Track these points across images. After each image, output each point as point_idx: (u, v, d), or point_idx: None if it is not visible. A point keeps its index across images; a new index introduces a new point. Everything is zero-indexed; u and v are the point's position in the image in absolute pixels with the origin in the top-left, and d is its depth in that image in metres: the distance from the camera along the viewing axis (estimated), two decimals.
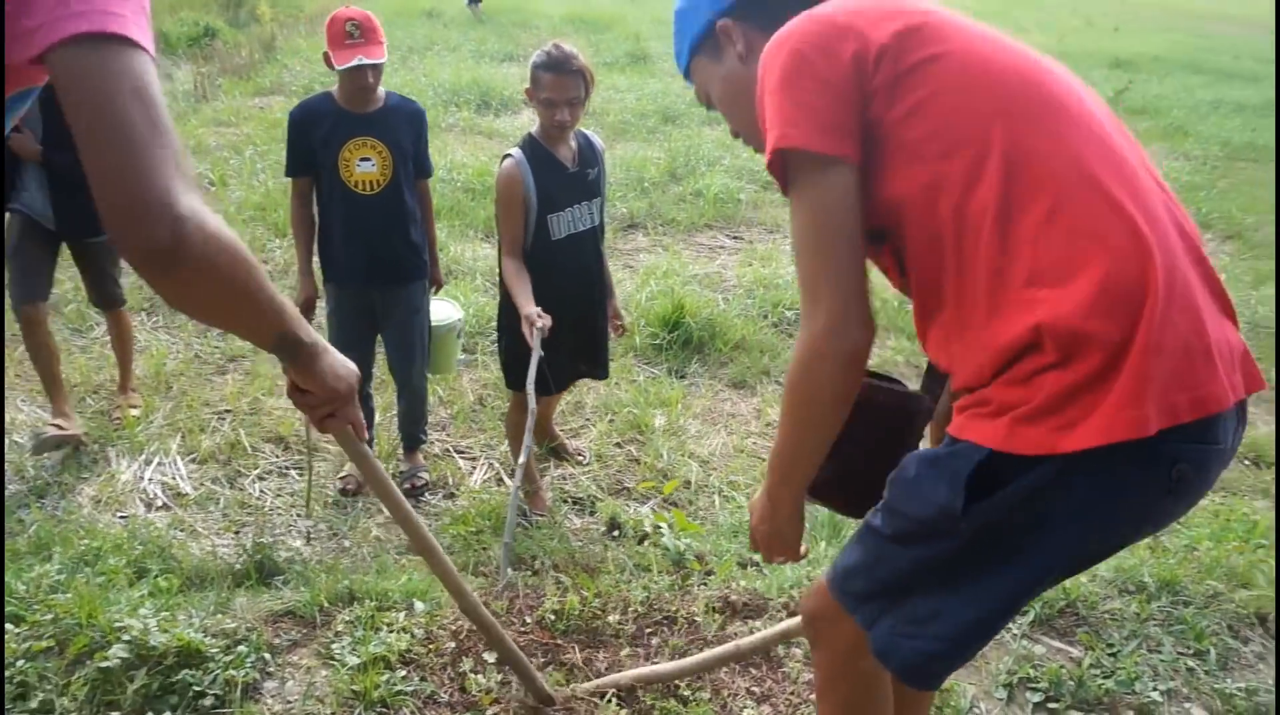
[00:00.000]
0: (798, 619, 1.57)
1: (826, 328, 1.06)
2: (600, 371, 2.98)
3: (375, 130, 2.71)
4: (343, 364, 1.23)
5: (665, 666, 1.96)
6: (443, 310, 3.09)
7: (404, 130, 2.77)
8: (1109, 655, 2.13)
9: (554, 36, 13.73)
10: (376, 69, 2.65)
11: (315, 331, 1.17)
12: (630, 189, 6.10)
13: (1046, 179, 1.02)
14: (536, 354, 2.47)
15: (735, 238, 5.64)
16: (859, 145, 1.07)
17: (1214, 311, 1.08)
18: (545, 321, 2.47)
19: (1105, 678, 2.05)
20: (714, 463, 3.28)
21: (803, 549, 1.36)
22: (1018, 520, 1.05)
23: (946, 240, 1.06)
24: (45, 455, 3.01)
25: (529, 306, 2.52)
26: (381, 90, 2.76)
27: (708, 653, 1.95)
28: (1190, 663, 2.13)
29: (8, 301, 3.12)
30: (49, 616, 1.91)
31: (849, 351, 1.07)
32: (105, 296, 3.30)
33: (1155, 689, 2.02)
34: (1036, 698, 2.01)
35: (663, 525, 2.68)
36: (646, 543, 2.68)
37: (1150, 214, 1.04)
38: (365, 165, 2.72)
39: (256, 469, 3.08)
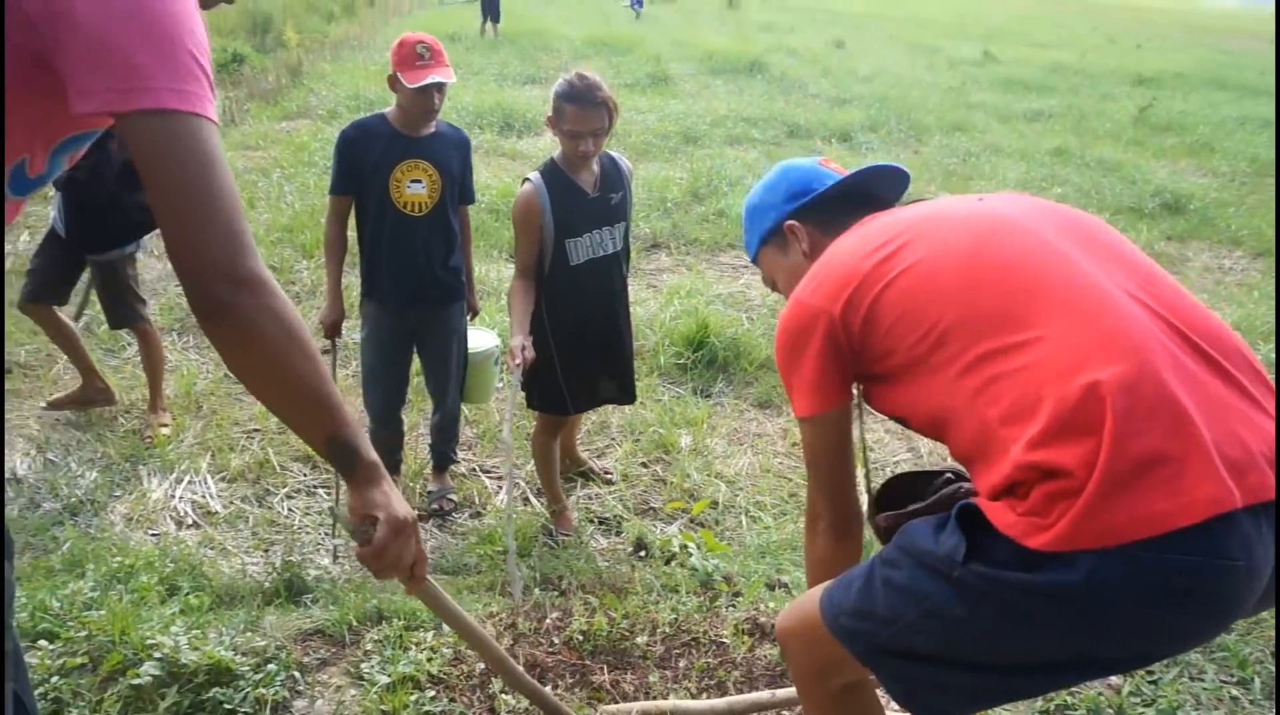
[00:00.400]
0: None
1: (820, 514, 1.42)
2: (625, 395, 2.98)
3: (427, 154, 2.76)
4: (401, 498, 1.16)
5: (695, 705, 1.93)
6: (480, 338, 3.10)
7: (453, 156, 2.82)
8: (1149, 683, 2.08)
9: (575, 59, 13.91)
10: (443, 90, 2.71)
11: (368, 444, 1.13)
12: (653, 209, 6.13)
13: (998, 330, 1.16)
14: (515, 389, 2.51)
15: None
16: (848, 387, 1.36)
17: (1229, 409, 1.07)
18: (528, 356, 2.50)
19: (1146, 706, 2.00)
20: (740, 483, 3.26)
21: None
22: (1005, 607, 1.09)
23: (947, 407, 1.21)
24: (64, 411, 3.38)
25: (519, 335, 2.54)
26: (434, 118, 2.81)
27: (740, 697, 1.93)
28: (1234, 691, 2.08)
29: (8, 305, 3.26)
30: (83, 633, 1.93)
31: (837, 530, 1.41)
32: (113, 316, 3.41)
33: None
34: None
35: (690, 545, 2.66)
36: (673, 563, 2.66)
37: (1119, 328, 1.10)
38: (416, 187, 2.76)
39: (285, 487, 3.10)
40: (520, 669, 1.68)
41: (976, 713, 1.39)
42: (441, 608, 1.37)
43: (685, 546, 2.66)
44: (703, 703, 1.94)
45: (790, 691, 1.84)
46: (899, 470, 1.73)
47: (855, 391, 1.40)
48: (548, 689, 1.84)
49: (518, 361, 2.47)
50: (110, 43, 0.96)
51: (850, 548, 1.42)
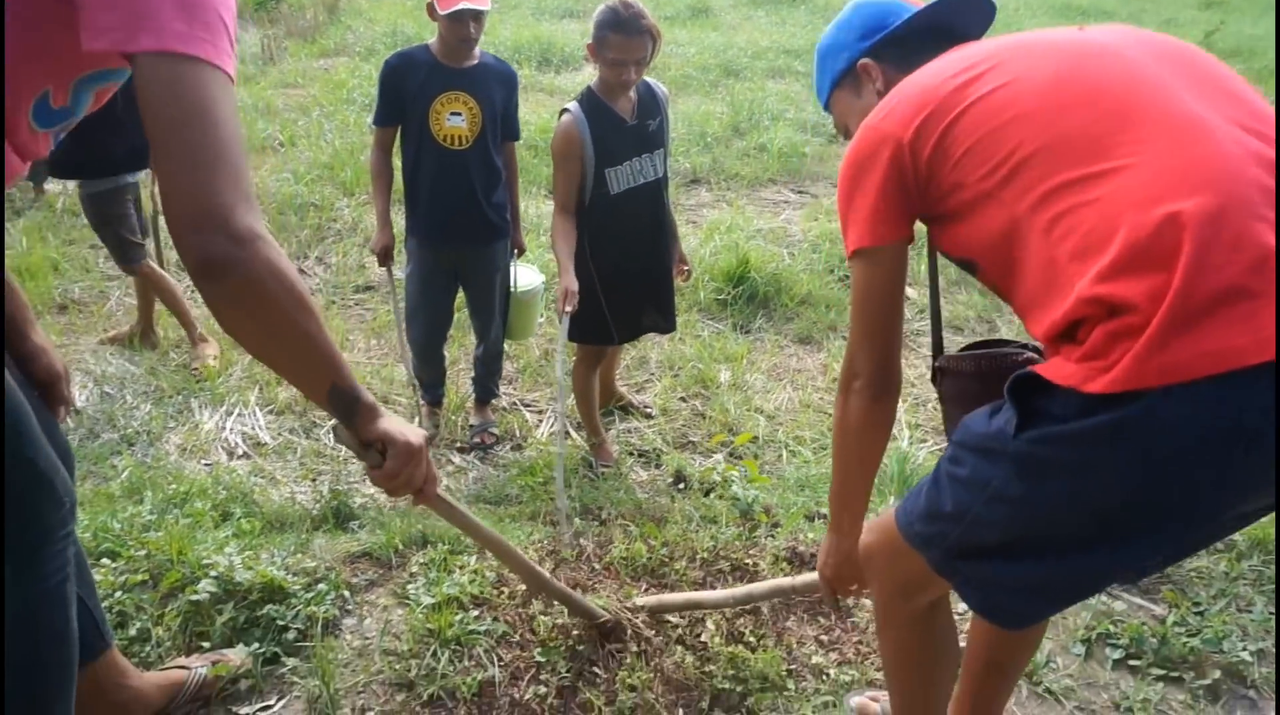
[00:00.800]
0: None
1: (858, 371, 1.31)
2: (667, 323, 2.97)
3: (467, 85, 2.71)
4: (409, 425, 1.20)
5: (713, 594, 1.96)
6: (525, 276, 3.08)
7: (495, 89, 2.77)
8: (1195, 614, 2.06)
9: None
10: (479, 19, 2.64)
11: (368, 392, 1.15)
12: (693, 144, 6.02)
13: (1080, 159, 1.06)
14: (564, 329, 2.49)
15: (800, 192, 5.52)
16: (909, 223, 1.26)
17: None
18: (574, 301, 2.48)
19: (1191, 636, 1.98)
20: (780, 418, 3.25)
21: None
22: (1063, 465, 1.03)
23: (1015, 249, 1.14)
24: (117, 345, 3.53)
25: (568, 277, 2.51)
26: (478, 50, 2.76)
27: (755, 586, 1.94)
28: None
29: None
30: (142, 553, 2.01)
31: (874, 390, 1.31)
32: (114, 254, 3.36)
33: (1245, 649, 1.95)
34: (1116, 654, 1.95)
35: (733, 475, 2.67)
36: (712, 495, 2.68)
37: (1211, 156, 1.00)
38: (455, 120, 2.73)
39: (331, 420, 3.15)
40: (543, 572, 1.70)
41: (1053, 612, 1.30)
42: (454, 516, 1.39)
43: (726, 479, 2.67)
44: (721, 592, 1.95)
45: (810, 577, 1.78)
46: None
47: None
48: (577, 592, 1.88)
49: (568, 307, 2.46)
50: None
51: (885, 411, 1.33)
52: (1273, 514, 1.13)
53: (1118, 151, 1.04)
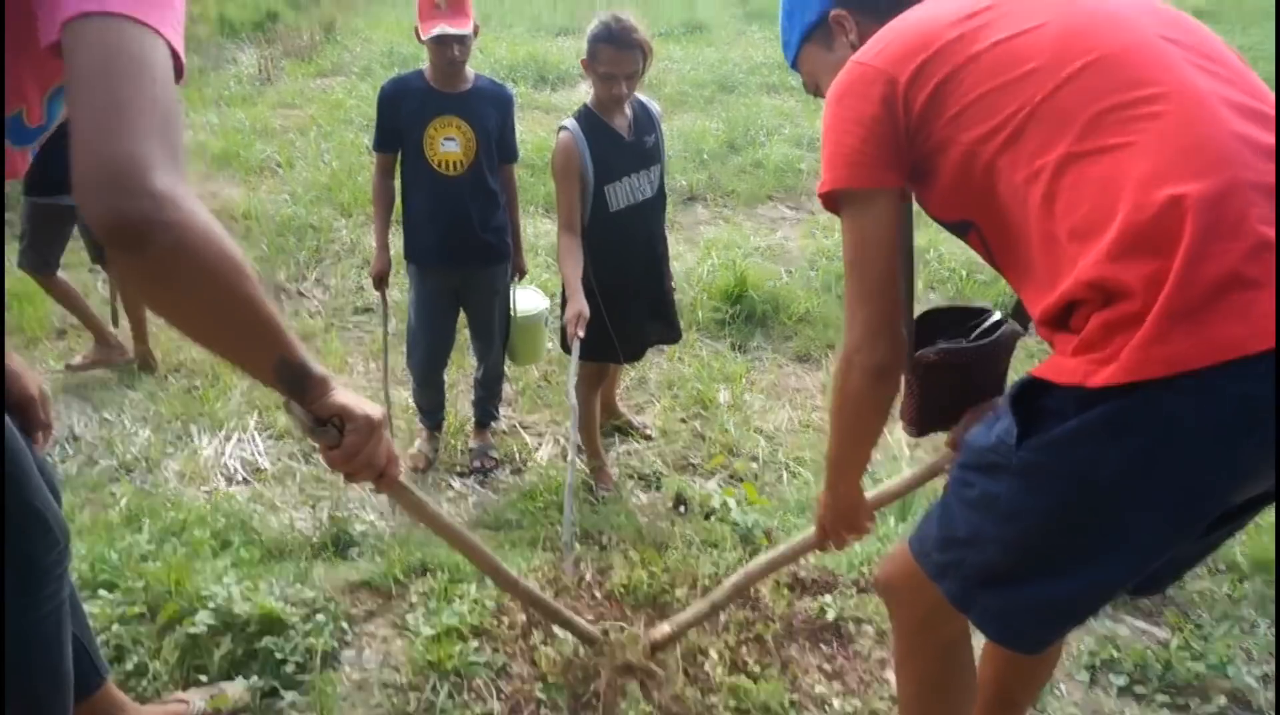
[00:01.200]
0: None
1: (858, 343, 1.20)
2: (673, 333, 3.00)
3: (460, 110, 2.72)
4: (366, 399, 1.08)
5: (685, 614, 1.92)
6: (530, 299, 3.07)
7: (489, 113, 2.77)
8: (1199, 638, 2.05)
9: (610, 7, 13.59)
10: (463, 42, 2.64)
11: (320, 362, 1.04)
12: (689, 161, 6.04)
13: (1079, 131, 1.03)
14: (575, 355, 2.47)
15: (796, 208, 5.54)
16: (899, 172, 1.17)
17: None
18: (583, 324, 2.47)
19: (1195, 660, 1.97)
20: (780, 438, 3.25)
21: (868, 524, 1.50)
22: (1069, 465, 1.01)
23: (1011, 217, 1.10)
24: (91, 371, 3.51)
25: (577, 299, 2.50)
26: (471, 72, 2.77)
27: (751, 565, 1.89)
28: None
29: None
30: (140, 584, 2.00)
31: (876, 365, 1.20)
32: (29, 258, 3.30)
33: (1250, 673, 1.94)
34: (1121, 681, 1.94)
35: (730, 500, 2.66)
36: (713, 518, 2.67)
37: (1214, 138, 0.98)
38: (449, 145, 2.73)
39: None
40: (519, 577, 1.64)
41: (1072, 628, 1.24)
42: (418, 509, 1.31)
43: (725, 502, 2.66)
44: (723, 588, 1.89)
45: (804, 536, 1.73)
46: None
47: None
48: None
49: (580, 332, 2.45)
50: None
51: (887, 391, 1.24)
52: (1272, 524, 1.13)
53: (1124, 127, 1.01)
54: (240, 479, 2.98)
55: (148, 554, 2.17)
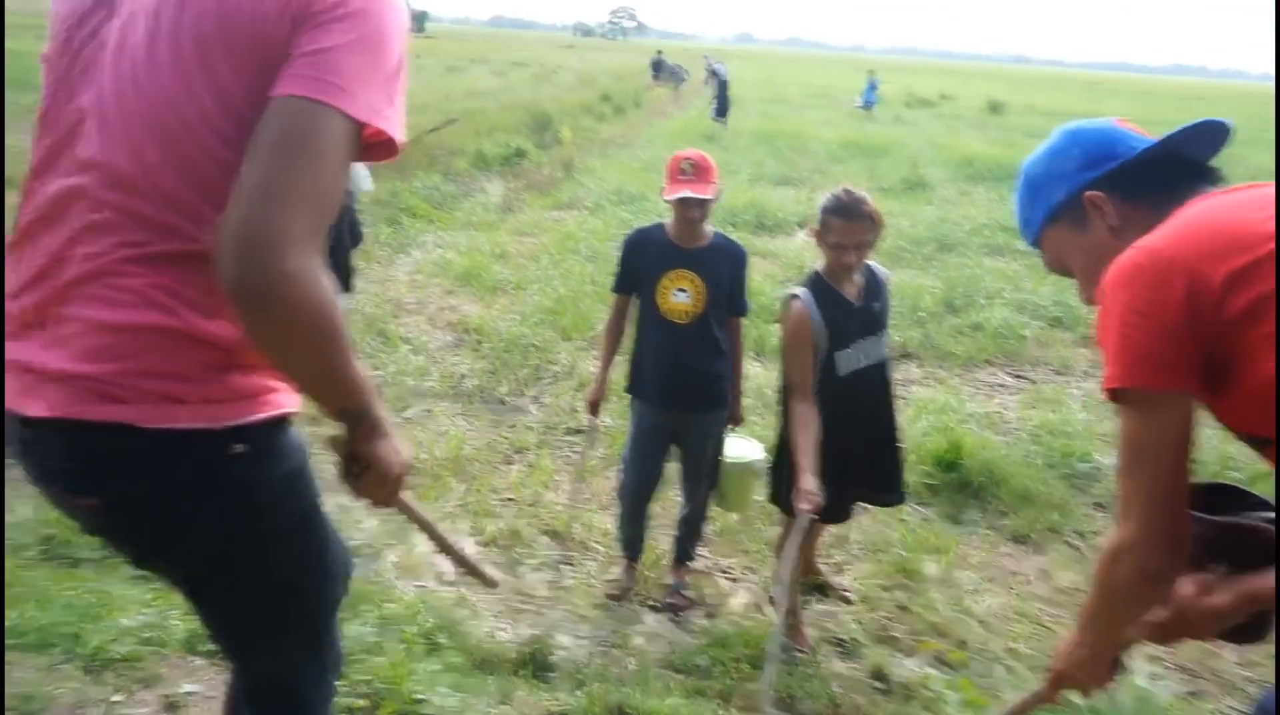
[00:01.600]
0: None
1: (1129, 545, 1.14)
2: (895, 496, 2.94)
3: (695, 265, 2.87)
4: (402, 446, 1.20)
5: None
6: (743, 448, 3.11)
7: (724, 268, 2.91)
8: None
9: (829, 161, 14.04)
10: (703, 205, 2.82)
11: (386, 409, 1.17)
12: (904, 318, 5.97)
13: None
14: (797, 535, 2.42)
15: (1018, 376, 5.29)
16: (1192, 376, 1.09)
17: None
18: (815, 502, 2.41)
19: None
20: (994, 625, 3.00)
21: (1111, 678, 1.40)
22: None
23: None
24: None
25: (808, 476, 2.46)
26: (710, 229, 2.93)
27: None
28: None
29: None
30: (365, 677, 2.12)
31: (1144, 571, 1.14)
32: None
33: None
34: None
35: (947, 692, 2.47)
36: (914, 703, 2.49)
37: None
38: (680, 296, 2.89)
39: (534, 560, 3.26)
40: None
41: None
42: (414, 516, 1.41)
43: (941, 695, 2.47)
44: None
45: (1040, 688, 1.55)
46: None
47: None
48: None
49: (808, 507, 2.41)
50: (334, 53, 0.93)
51: (1157, 594, 1.15)
52: None
53: None
54: (449, 580, 3.13)
55: (372, 647, 2.30)
